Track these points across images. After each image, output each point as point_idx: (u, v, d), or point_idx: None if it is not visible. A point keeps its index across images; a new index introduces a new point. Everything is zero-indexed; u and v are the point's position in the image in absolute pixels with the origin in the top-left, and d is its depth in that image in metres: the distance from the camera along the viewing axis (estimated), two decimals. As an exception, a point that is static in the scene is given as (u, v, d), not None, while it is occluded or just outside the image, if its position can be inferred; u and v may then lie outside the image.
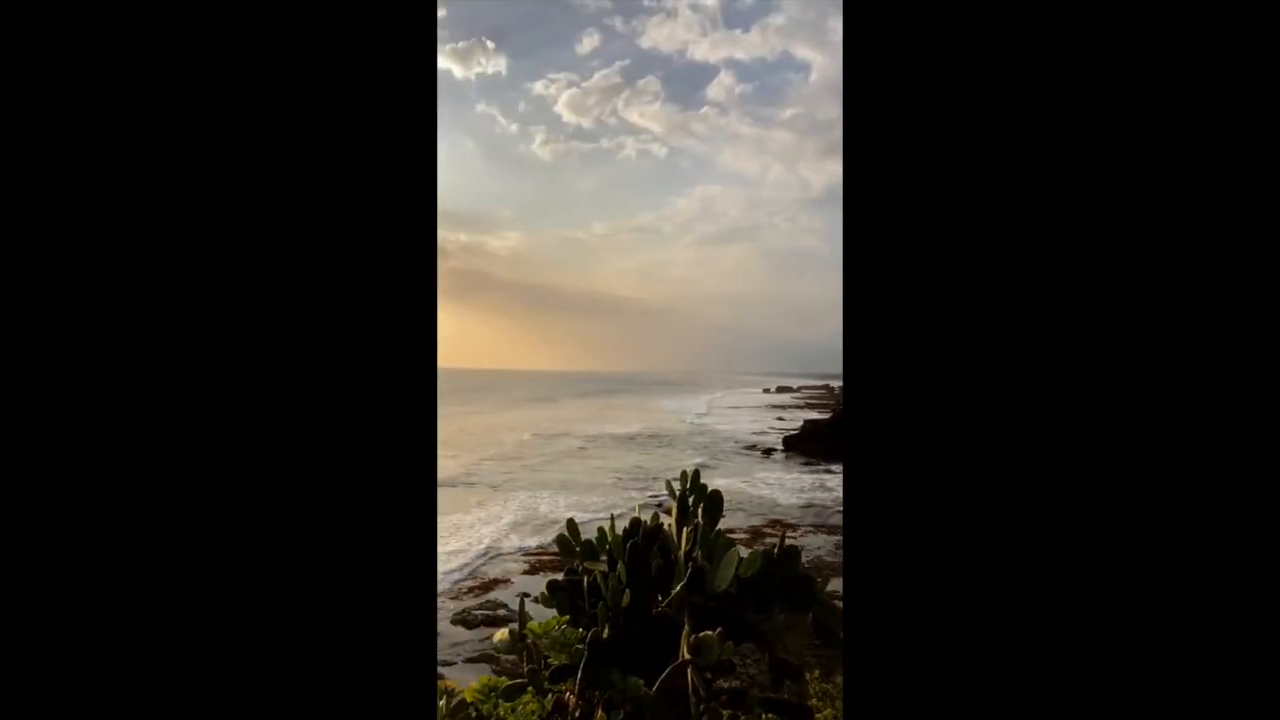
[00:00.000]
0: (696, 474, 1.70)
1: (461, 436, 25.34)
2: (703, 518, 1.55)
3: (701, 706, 1.27)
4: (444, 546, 10.07)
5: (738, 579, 1.41)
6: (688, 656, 1.31)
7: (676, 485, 1.68)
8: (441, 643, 6.77)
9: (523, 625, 1.48)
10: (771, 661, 1.43)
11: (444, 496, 14.07)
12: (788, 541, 1.50)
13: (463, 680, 1.74)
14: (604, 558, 1.63)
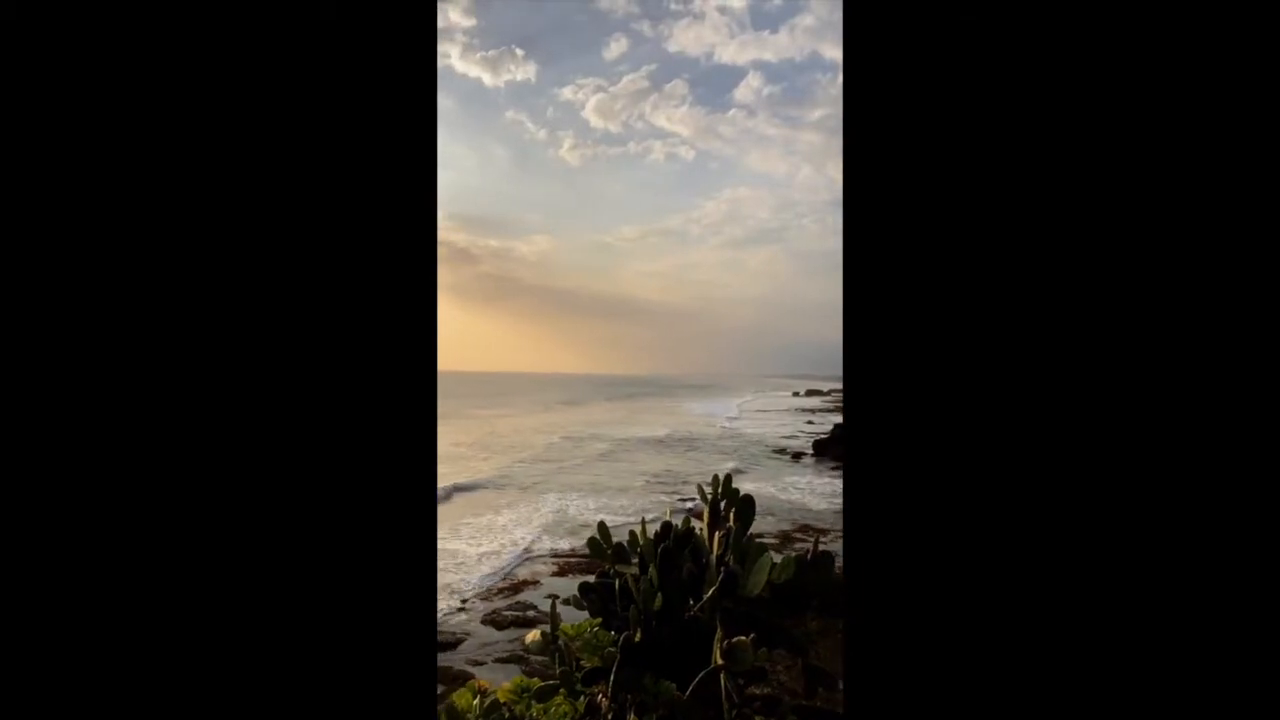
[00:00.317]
0: (729, 478, 1.69)
1: (492, 439, 25.58)
2: (735, 522, 1.54)
3: (734, 713, 1.26)
4: (476, 549, 10.16)
5: (770, 584, 1.39)
6: (720, 662, 1.31)
7: (708, 489, 1.67)
8: (472, 643, 6.85)
9: (555, 627, 1.49)
10: (805, 668, 1.42)
11: (475, 499, 14.22)
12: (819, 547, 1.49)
13: (493, 680, 1.76)
14: (635, 561, 1.63)
